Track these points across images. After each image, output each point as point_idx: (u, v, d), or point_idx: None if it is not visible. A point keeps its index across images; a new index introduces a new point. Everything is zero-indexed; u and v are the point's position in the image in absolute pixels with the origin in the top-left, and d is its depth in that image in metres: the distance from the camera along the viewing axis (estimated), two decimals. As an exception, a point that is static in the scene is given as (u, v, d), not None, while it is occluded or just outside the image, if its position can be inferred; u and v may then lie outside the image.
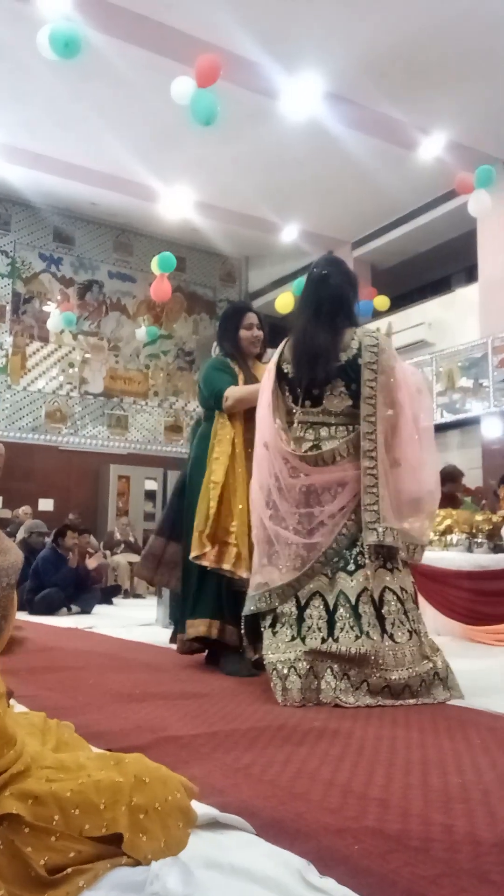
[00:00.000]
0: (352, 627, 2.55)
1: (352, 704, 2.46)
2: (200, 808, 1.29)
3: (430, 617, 4.75)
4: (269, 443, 2.77)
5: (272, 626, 2.63)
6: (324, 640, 2.56)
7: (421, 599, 4.78)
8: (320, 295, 2.88)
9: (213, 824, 1.31)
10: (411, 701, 2.51)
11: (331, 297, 2.86)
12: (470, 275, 10.55)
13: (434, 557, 4.91)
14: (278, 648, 2.57)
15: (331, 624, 2.58)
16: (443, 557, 4.90)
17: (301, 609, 2.62)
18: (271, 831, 1.31)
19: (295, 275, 12.35)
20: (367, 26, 7.01)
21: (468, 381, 9.64)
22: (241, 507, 3.17)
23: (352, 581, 2.63)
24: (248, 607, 2.71)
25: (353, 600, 2.60)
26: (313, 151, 8.87)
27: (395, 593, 2.63)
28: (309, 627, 2.58)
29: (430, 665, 2.58)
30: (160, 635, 4.76)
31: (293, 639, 2.58)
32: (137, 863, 1.00)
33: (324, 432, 2.79)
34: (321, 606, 2.61)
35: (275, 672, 2.52)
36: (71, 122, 8.61)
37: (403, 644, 2.58)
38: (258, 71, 7.43)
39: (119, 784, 1.04)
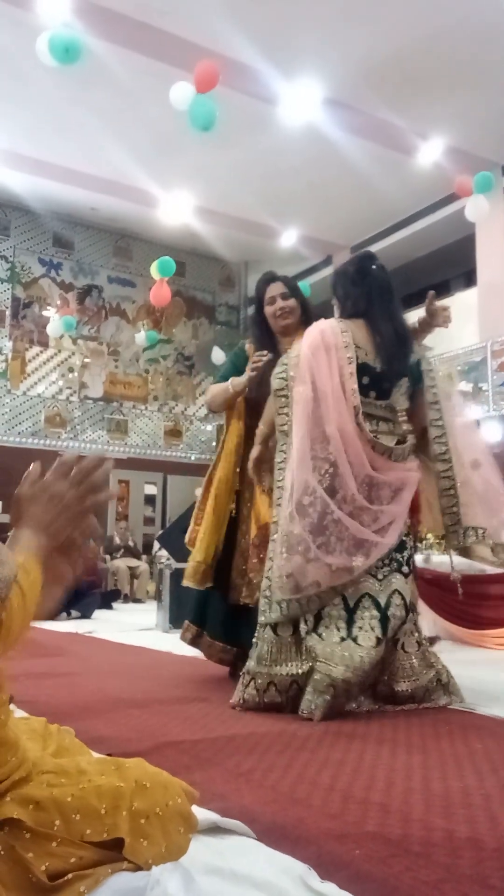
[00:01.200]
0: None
1: (352, 708, 2.45)
2: (201, 814, 1.29)
3: (431, 621, 4.75)
4: (344, 427, 2.51)
5: (315, 629, 2.46)
6: (379, 641, 2.44)
7: (421, 604, 4.79)
8: (388, 283, 2.81)
9: (214, 829, 1.31)
10: (412, 705, 2.51)
11: (393, 289, 2.82)
12: (469, 279, 10.56)
13: (434, 562, 4.92)
14: (333, 655, 2.39)
15: (383, 623, 2.47)
16: (443, 561, 4.90)
17: (350, 611, 2.47)
18: (272, 836, 1.31)
19: (295, 279, 12.36)
20: (365, 33, 7.03)
21: (467, 385, 9.64)
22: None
23: (407, 582, 2.59)
24: (286, 612, 2.46)
25: (406, 600, 2.56)
26: (312, 157, 8.89)
27: (405, 600, 2.57)
28: (360, 628, 2.45)
29: (434, 672, 2.57)
30: (160, 640, 4.76)
31: (343, 640, 2.42)
32: (138, 868, 1.00)
33: (383, 427, 2.65)
34: (372, 607, 2.49)
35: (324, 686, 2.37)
36: (70, 127, 8.64)
37: (412, 654, 2.55)
38: (257, 77, 7.45)
39: (120, 789, 1.04)
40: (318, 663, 2.39)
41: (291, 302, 3.03)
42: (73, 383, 11.91)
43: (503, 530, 2.65)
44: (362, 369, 2.61)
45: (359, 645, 2.42)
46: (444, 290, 11.45)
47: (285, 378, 2.64)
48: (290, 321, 3.03)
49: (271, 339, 3.04)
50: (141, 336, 11.60)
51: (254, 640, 2.53)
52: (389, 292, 2.78)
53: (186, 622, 3.25)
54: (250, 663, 2.51)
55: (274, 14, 6.78)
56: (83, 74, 6.80)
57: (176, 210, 10.02)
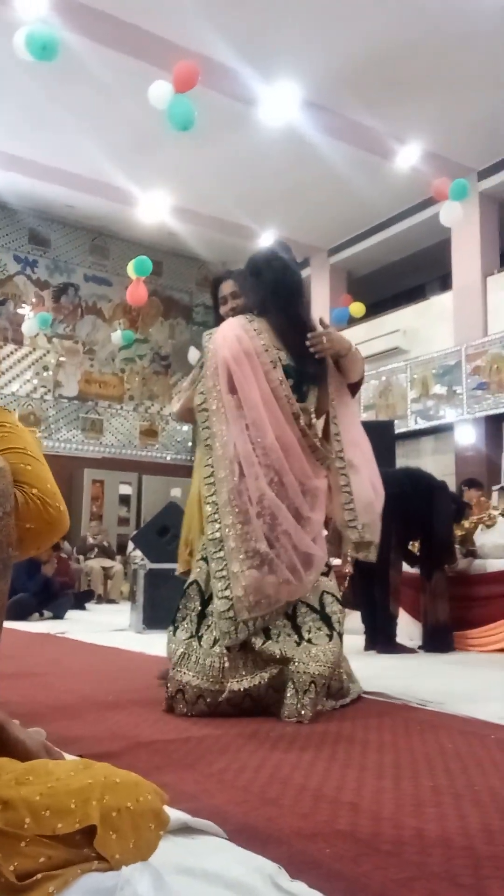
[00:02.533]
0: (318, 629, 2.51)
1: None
2: (172, 814, 1.29)
3: (405, 622, 4.78)
4: (283, 435, 2.47)
5: (269, 638, 2.42)
6: (330, 637, 2.46)
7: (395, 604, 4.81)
8: (295, 280, 2.76)
9: (185, 829, 1.31)
10: (331, 703, 2.49)
11: (294, 285, 2.74)
12: (444, 283, 10.67)
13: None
14: (300, 655, 2.39)
15: (326, 621, 2.49)
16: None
17: (292, 618, 2.47)
18: (243, 836, 1.31)
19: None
20: (344, 37, 7.07)
21: (442, 389, 9.74)
22: None
23: (330, 579, 2.62)
24: (248, 630, 2.38)
25: (337, 596, 2.59)
26: (290, 158, 8.91)
27: (336, 597, 2.60)
28: (308, 630, 2.45)
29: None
30: (133, 641, 4.73)
31: (299, 644, 2.41)
32: (109, 868, 0.99)
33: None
34: (309, 611, 2.49)
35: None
36: (47, 124, 8.58)
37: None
38: (236, 78, 7.46)
39: (90, 785, 1.03)
40: (294, 664, 2.36)
41: (240, 301, 2.88)
42: (48, 382, 11.82)
43: (377, 533, 2.66)
44: (283, 372, 2.55)
45: (315, 644, 2.42)
46: (420, 293, 11.57)
47: (203, 392, 2.57)
48: None
49: None
50: (117, 335, 11.54)
51: (180, 651, 2.44)
52: (288, 288, 2.68)
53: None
54: (185, 676, 2.40)
55: (254, 16, 6.80)
56: (61, 70, 6.76)
57: (153, 209, 10.00)
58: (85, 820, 0.98)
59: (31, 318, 11.06)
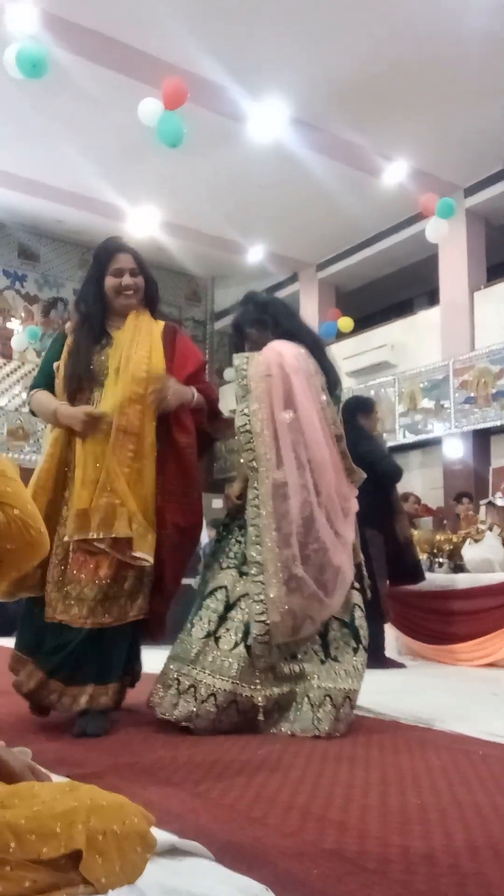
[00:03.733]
0: None
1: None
2: (159, 835, 1.28)
3: (393, 637, 4.79)
4: (334, 460, 2.54)
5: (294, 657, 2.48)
6: (356, 650, 2.55)
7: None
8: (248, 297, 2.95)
9: (171, 850, 1.31)
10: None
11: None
12: (432, 298, 10.75)
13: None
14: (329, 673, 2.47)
15: (355, 634, 2.60)
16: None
17: (323, 636, 2.53)
18: (229, 856, 1.30)
19: (259, 294, 12.44)
20: (331, 55, 7.15)
21: (430, 403, 9.79)
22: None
23: (359, 594, 2.69)
24: (281, 653, 2.44)
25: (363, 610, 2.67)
26: (279, 174, 8.98)
27: (363, 610, 2.69)
28: (336, 648, 2.53)
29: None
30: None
31: (323, 662, 2.49)
32: (95, 892, 0.99)
33: None
34: (342, 626, 2.56)
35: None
36: (38, 139, 8.61)
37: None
38: (225, 95, 7.52)
39: (75, 808, 1.03)
40: (310, 679, 2.41)
41: (140, 280, 2.66)
42: (37, 396, 11.79)
43: None
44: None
45: (339, 662, 2.49)
46: (407, 308, 11.64)
47: (247, 413, 2.53)
48: (133, 301, 2.65)
49: (102, 316, 2.65)
50: (106, 349, 11.53)
51: (196, 650, 2.45)
52: (303, 320, 2.95)
53: (15, 652, 2.57)
54: (201, 674, 2.41)
55: (242, 34, 6.87)
56: (50, 86, 6.80)
57: (142, 224, 10.04)
58: (70, 844, 0.98)
59: (20, 333, 11.04)
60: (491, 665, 4.26)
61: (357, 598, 2.62)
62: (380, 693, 3.08)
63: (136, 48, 7.03)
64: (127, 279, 2.63)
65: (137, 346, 2.56)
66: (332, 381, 2.67)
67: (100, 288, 2.65)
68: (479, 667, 4.28)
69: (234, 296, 13.23)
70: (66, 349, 2.63)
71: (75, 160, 8.82)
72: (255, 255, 11.33)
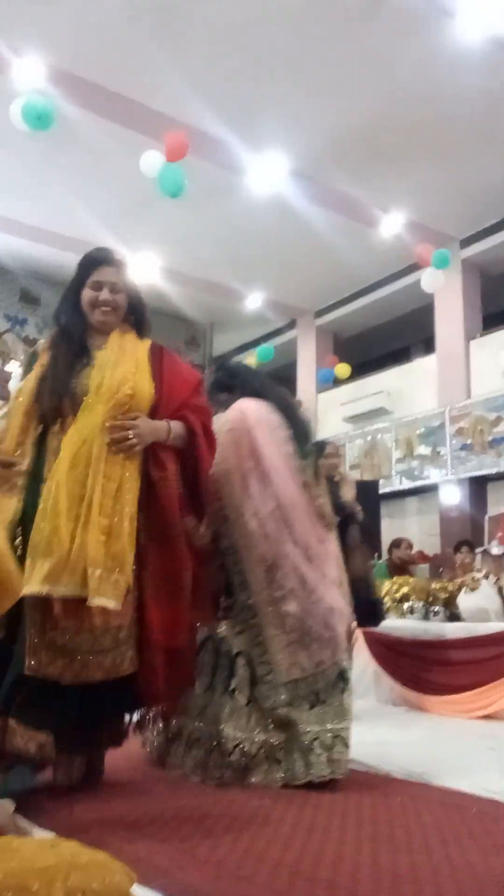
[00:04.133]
0: None
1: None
2: (143, 893, 1.25)
3: (387, 686, 4.72)
4: (303, 506, 2.61)
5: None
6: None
7: (377, 668, 4.77)
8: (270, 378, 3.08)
9: (155, 909, 1.27)
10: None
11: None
12: (428, 346, 10.87)
13: (390, 625, 4.91)
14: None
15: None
16: (399, 626, 4.90)
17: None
18: (215, 916, 1.27)
19: (258, 341, 12.57)
20: (329, 110, 7.35)
21: (426, 449, 9.82)
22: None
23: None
24: (288, 693, 2.44)
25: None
26: (278, 224, 9.15)
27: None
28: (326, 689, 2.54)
29: None
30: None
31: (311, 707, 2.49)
32: None
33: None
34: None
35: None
36: (43, 188, 8.79)
37: None
38: (225, 148, 7.71)
39: (55, 864, 1.01)
40: (299, 727, 2.38)
41: (120, 297, 2.43)
42: (35, 438, 11.81)
43: None
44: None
45: (328, 704, 2.46)
46: (404, 355, 11.76)
47: (220, 463, 2.57)
48: (112, 319, 2.43)
49: (82, 330, 2.43)
50: (105, 392, 11.60)
51: (200, 703, 2.47)
52: (272, 379, 3.02)
53: None
54: (229, 731, 2.39)
55: (243, 90, 7.07)
56: (55, 137, 6.96)
57: (143, 270, 10.19)
58: None
59: (18, 375, 11.10)
60: (488, 717, 4.18)
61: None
62: (373, 745, 3.02)
63: (140, 102, 7.23)
64: (105, 294, 2.40)
65: (121, 366, 2.31)
66: (300, 435, 2.77)
67: (77, 300, 2.44)
68: (476, 719, 4.20)
69: (232, 341, 13.37)
70: (38, 367, 2.37)
71: (79, 208, 8.98)
72: (254, 301, 11.48)
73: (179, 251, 10.07)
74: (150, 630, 2.18)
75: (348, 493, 4.24)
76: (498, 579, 4.88)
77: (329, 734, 2.39)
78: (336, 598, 2.55)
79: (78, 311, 2.43)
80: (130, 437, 2.20)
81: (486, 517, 8.98)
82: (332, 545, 2.70)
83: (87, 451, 2.15)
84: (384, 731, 3.73)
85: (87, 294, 2.42)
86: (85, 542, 2.04)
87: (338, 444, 10.92)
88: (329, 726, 2.41)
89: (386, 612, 4.89)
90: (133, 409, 2.24)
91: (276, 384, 3.01)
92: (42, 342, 2.49)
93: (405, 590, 5.16)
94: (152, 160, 6.13)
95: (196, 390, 2.48)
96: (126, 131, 7.42)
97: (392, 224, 8.87)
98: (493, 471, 8.99)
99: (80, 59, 6.73)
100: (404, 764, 2.69)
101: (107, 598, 2.03)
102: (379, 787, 2.39)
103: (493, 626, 4.48)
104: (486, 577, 4.92)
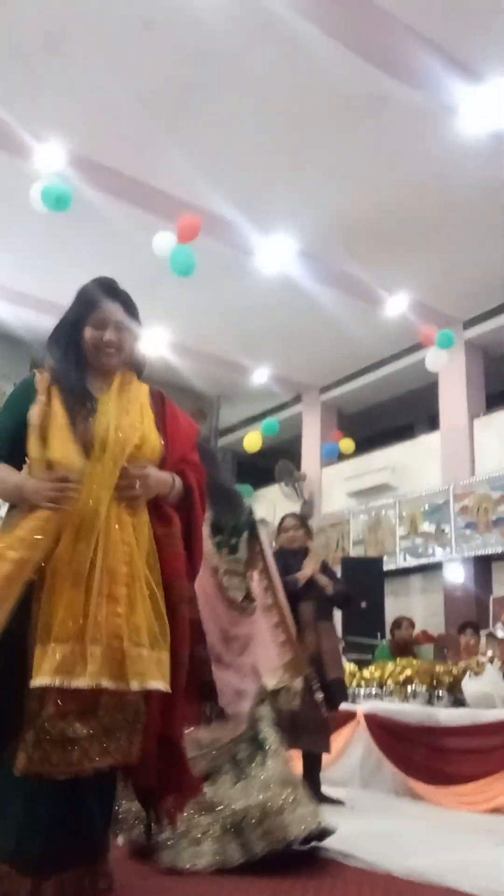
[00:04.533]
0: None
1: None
2: None
3: (389, 774, 4.56)
4: (209, 591, 2.73)
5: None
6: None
7: (379, 755, 4.63)
8: (211, 448, 3.17)
9: None
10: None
11: (215, 453, 3.15)
12: (432, 423, 10.95)
13: (393, 710, 4.78)
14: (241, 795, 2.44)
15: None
16: (402, 710, 4.77)
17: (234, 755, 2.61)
18: None
19: (264, 414, 12.70)
20: (337, 197, 7.63)
21: (430, 527, 9.77)
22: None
23: (265, 708, 2.77)
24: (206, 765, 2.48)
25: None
26: (285, 302, 9.37)
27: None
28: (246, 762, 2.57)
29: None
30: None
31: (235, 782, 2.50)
32: None
33: (235, 581, 2.84)
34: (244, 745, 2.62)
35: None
36: (56, 264, 9.03)
37: None
38: (235, 229, 7.97)
39: None
40: (222, 806, 2.38)
41: (125, 336, 2.19)
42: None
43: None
44: (214, 528, 2.82)
45: (251, 776, 2.50)
46: (408, 432, 11.84)
47: None
48: (114, 361, 2.18)
49: (80, 372, 2.16)
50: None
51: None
52: (206, 454, 2.98)
53: None
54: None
55: (252, 175, 7.36)
56: (73, 218, 7.22)
57: (152, 344, 10.39)
58: None
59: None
60: (494, 810, 4.02)
61: (264, 711, 2.71)
62: (372, 839, 2.90)
63: (153, 186, 7.52)
64: (110, 334, 2.15)
65: (129, 415, 2.09)
66: (226, 511, 2.86)
67: (76, 337, 2.17)
68: (482, 812, 4.04)
69: (239, 414, 13.50)
70: (39, 407, 2.04)
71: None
72: (261, 376, 11.65)
73: (189, 326, 10.29)
74: (147, 714, 1.90)
75: (308, 566, 4.10)
76: (503, 664, 4.77)
77: (259, 809, 2.36)
78: (234, 682, 2.63)
79: (76, 350, 2.16)
80: (137, 486, 1.98)
81: (491, 598, 8.86)
82: (250, 628, 2.77)
83: (93, 511, 1.91)
84: (385, 823, 3.58)
85: (89, 334, 2.15)
86: (109, 618, 1.81)
87: (341, 517, 10.94)
88: (256, 801, 2.38)
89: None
90: (139, 459, 2.03)
91: (212, 456, 3.01)
92: (41, 377, 2.15)
93: (408, 672, 5.05)
94: (164, 241, 6.35)
95: (195, 445, 2.31)
96: (140, 212, 7.69)
97: (397, 304, 9.08)
98: (499, 550, 8.91)
99: (98, 144, 7.04)
100: (406, 861, 2.57)
101: (156, 679, 1.82)
102: (378, 886, 2.28)
103: (498, 714, 4.36)
104: (492, 661, 4.81)
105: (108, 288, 2.26)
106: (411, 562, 9.92)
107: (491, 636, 5.60)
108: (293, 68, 6.10)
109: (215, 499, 2.73)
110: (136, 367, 2.29)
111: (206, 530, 2.63)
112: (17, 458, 2.03)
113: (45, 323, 10.64)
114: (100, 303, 2.19)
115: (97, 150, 7.11)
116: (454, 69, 6.01)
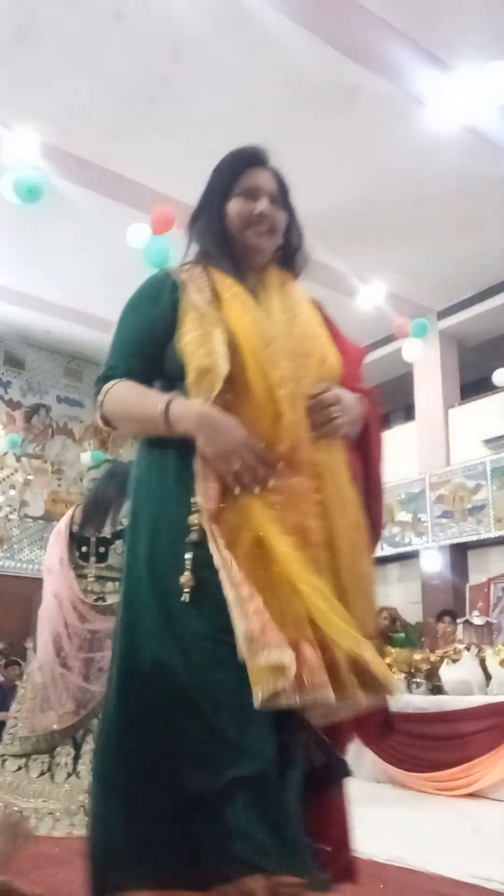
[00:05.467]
0: None
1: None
2: None
3: (368, 762, 4.62)
4: (61, 592, 2.92)
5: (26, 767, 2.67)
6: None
7: (358, 744, 4.68)
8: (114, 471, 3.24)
9: None
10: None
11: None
12: (408, 413, 11.02)
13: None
14: (51, 794, 2.59)
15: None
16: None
17: (78, 748, 2.70)
18: None
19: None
20: (309, 186, 7.54)
21: (407, 515, 9.85)
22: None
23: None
24: (24, 748, 2.70)
25: None
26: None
27: None
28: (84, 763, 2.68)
29: None
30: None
31: (69, 776, 2.63)
32: None
33: (109, 586, 2.99)
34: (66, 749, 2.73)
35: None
36: (30, 257, 8.97)
37: None
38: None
39: None
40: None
41: (282, 215, 1.68)
42: (14, 501, 11.72)
43: None
44: (80, 540, 3.02)
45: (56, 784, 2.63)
46: (384, 422, 11.91)
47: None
48: (267, 244, 1.66)
49: (230, 259, 1.62)
50: (87, 456, 11.61)
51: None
52: (111, 474, 3.19)
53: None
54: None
55: (228, 168, 7.34)
56: (46, 210, 7.15)
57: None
58: None
59: (1, 438, 11.09)
60: (473, 795, 4.09)
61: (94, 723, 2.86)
62: (355, 826, 2.93)
63: (128, 177, 7.47)
64: (264, 204, 1.62)
65: (299, 319, 1.59)
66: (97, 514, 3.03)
67: (221, 215, 1.64)
68: (461, 797, 4.11)
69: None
70: (192, 313, 1.49)
71: (67, 276, 9.16)
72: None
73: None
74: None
75: None
76: (480, 650, 4.84)
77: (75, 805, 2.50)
78: (81, 682, 2.78)
79: (221, 233, 1.63)
80: (335, 416, 1.47)
81: (468, 585, 8.97)
82: (102, 625, 2.90)
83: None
84: (367, 810, 3.62)
85: (237, 206, 1.62)
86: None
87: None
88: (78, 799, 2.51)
89: None
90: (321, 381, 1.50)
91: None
92: (174, 268, 1.65)
93: (387, 661, 5.10)
94: (139, 233, 6.30)
95: (361, 368, 1.77)
96: (114, 204, 7.64)
97: (371, 295, 9.12)
98: (474, 538, 9.01)
99: (71, 136, 6.97)
100: (388, 848, 2.62)
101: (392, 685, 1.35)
102: (361, 872, 2.31)
103: (475, 700, 4.43)
104: (468, 648, 4.88)
105: (256, 152, 1.72)
106: (388, 551, 10.00)
107: (468, 623, 5.67)
108: (265, 59, 6.09)
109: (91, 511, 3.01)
110: (294, 266, 1.73)
111: (62, 543, 2.93)
112: (151, 375, 1.56)
113: (19, 315, 10.67)
114: (248, 168, 1.67)
115: (70, 142, 7.04)
116: (426, 60, 6.04)
